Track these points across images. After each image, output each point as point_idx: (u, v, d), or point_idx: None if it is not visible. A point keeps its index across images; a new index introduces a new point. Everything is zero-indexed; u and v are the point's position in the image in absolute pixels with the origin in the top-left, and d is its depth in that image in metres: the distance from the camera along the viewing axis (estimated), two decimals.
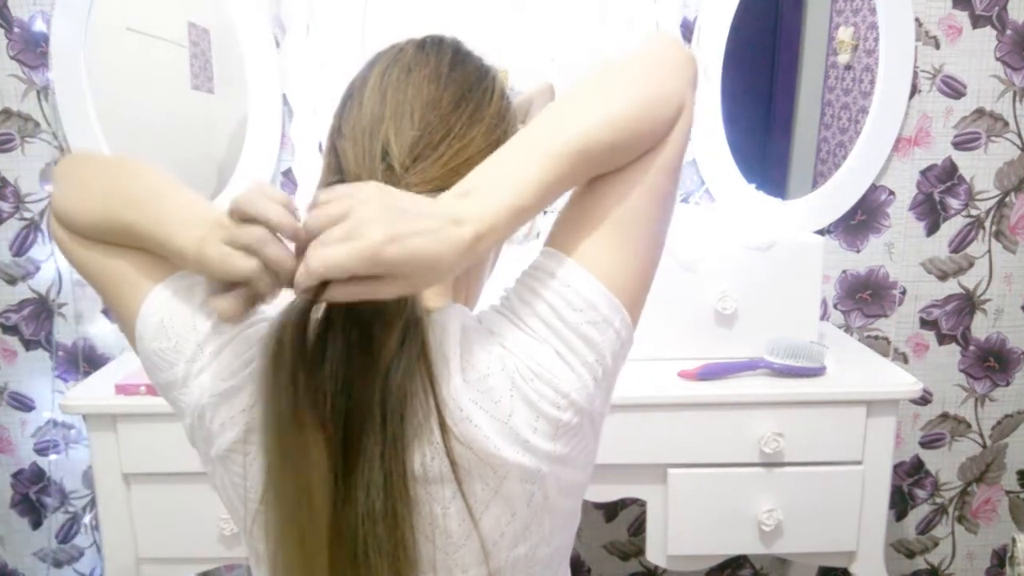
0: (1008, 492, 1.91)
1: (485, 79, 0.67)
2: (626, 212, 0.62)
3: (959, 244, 1.77)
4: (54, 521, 1.84)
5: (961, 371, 1.83)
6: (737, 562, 1.94)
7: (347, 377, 0.57)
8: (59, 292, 1.73)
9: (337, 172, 0.63)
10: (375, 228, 0.51)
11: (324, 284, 0.53)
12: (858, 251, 1.76)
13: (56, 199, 0.69)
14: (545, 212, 1.41)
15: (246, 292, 0.55)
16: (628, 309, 0.63)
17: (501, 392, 0.59)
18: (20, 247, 1.71)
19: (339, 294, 0.53)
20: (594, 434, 0.65)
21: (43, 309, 1.74)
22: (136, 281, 0.66)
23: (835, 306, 1.79)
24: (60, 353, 1.76)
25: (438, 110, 0.63)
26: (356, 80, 0.67)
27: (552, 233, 0.65)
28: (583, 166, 0.60)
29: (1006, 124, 1.71)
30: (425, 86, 0.64)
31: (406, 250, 0.52)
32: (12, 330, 1.76)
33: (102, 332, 1.74)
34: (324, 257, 0.51)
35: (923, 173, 1.73)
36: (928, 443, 1.87)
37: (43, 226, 1.70)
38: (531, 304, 0.62)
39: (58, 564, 1.87)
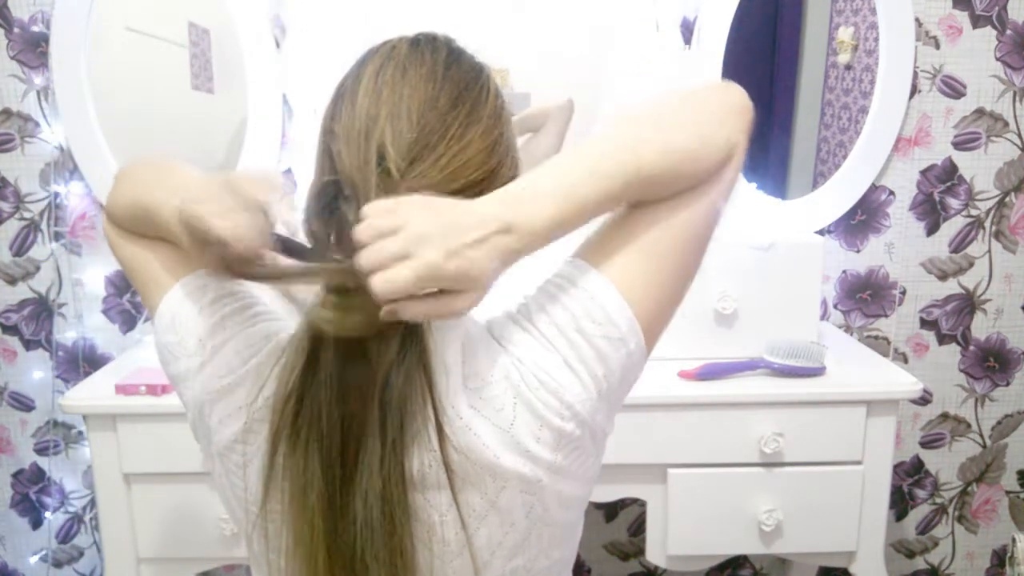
0: (1008, 492, 1.91)
1: (480, 77, 0.66)
2: (662, 240, 0.63)
3: (959, 244, 1.77)
4: (54, 521, 1.84)
5: (961, 371, 1.83)
6: (737, 562, 1.94)
7: (343, 385, 0.57)
8: (59, 292, 1.73)
9: (332, 173, 0.61)
10: (431, 246, 0.52)
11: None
12: (858, 251, 1.76)
13: (108, 197, 0.74)
14: None
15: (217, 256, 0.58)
16: (645, 334, 0.63)
17: (504, 400, 0.59)
18: (20, 247, 1.71)
19: (415, 312, 0.53)
20: (595, 450, 0.65)
21: (43, 309, 1.74)
22: (160, 278, 0.69)
23: (835, 306, 1.79)
24: (60, 353, 1.76)
25: (435, 110, 0.61)
26: (347, 79, 0.65)
27: (584, 246, 0.65)
28: (634, 188, 0.60)
29: (1006, 124, 1.71)
30: (422, 85, 0.62)
31: (465, 263, 0.53)
32: (12, 330, 1.76)
33: (102, 332, 1.74)
34: (388, 280, 0.51)
35: (923, 173, 1.73)
36: (928, 443, 1.87)
37: (43, 226, 1.70)
38: (550, 312, 0.61)
39: (58, 564, 1.87)
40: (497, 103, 0.66)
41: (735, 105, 0.65)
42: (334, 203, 0.58)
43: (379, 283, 0.51)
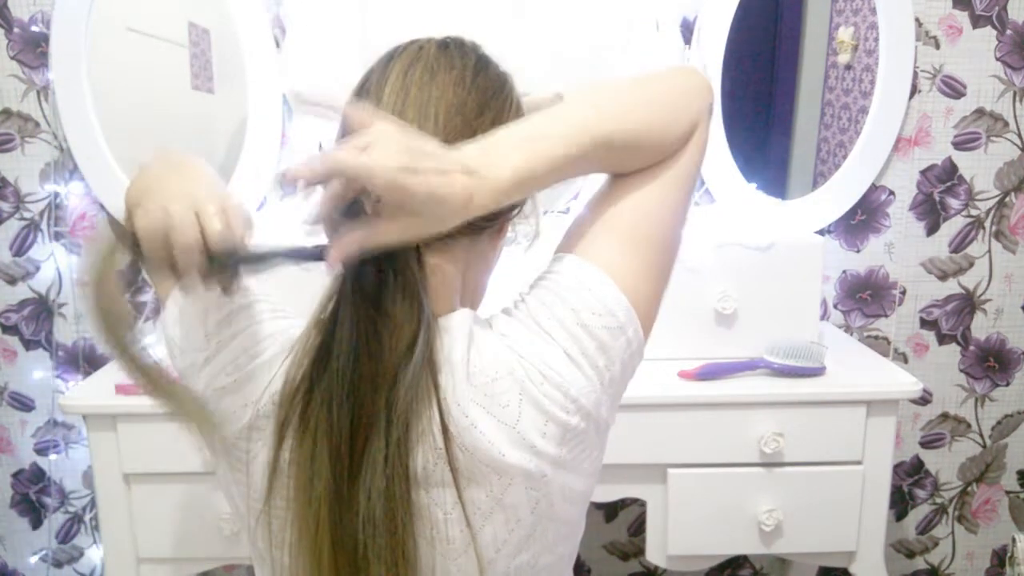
0: (1008, 492, 1.91)
1: (505, 87, 0.67)
2: (642, 221, 0.64)
3: (959, 244, 1.77)
4: (54, 521, 1.84)
5: (961, 371, 1.83)
6: (737, 562, 1.94)
7: (353, 382, 0.57)
8: (59, 292, 1.73)
9: None
10: (395, 155, 0.53)
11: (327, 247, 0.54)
12: (858, 251, 1.76)
13: (128, 190, 0.73)
14: (545, 212, 1.42)
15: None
16: (641, 320, 0.63)
17: (509, 396, 0.59)
18: (20, 247, 1.71)
19: (348, 241, 0.54)
20: (599, 443, 0.65)
21: (43, 309, 1.74)
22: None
23: (835, 306, 1.79)
24: (60, 353, 1.76)
25: (462, 115, 0.62)
26: (372, 76, 0.66)
27: (569, 240, 0.66)
28: (596, 156, 0.61)
29: (1006, 124, 1.71)
30: (450, 89, 0.63)
31: (422, 183, 0.53)
32: (12, 330, 1.76)
33: None
34: (346, 156, 0.52)
35: (923, 173, 1.73)
36: (928, 443, 1.87)
37: (43, 226, 1.70)
38: (550, 306, 0.62)
39: (58, 564, 1.87)
40: (519, 115, 0.67)
41: (694, 83, 0.68)
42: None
43: (338, 156, 0.52)
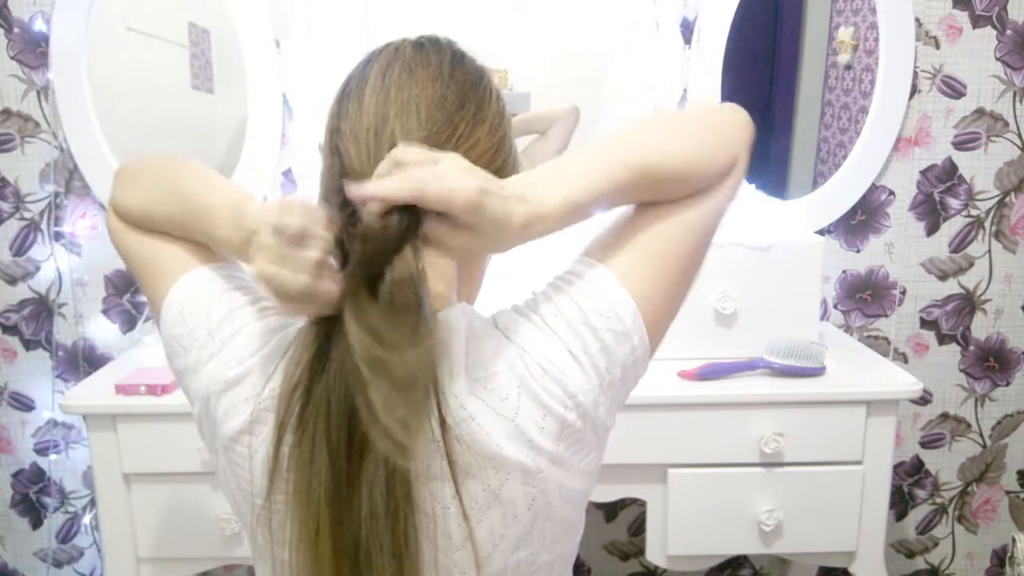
0: (1008, 492, 1.91)
1: (483, 78, 0.68)
2: (667, 241, 0.65)
3: (959, 244, 1.77)
4: (54, 521, 1.84)
5: (961, 371, 1.83)
6: (737, 562, 1.94)
7: (351, 378, 0.57)
8: (59, 292, 1.73)
9: (340, 173, 0.62)
10: (470, 178, 0.54)
11: (416, 221, 0.54)
12: (858, 251, 1.77)
13: (113, 192, 0.75)
14: None
15: (305, 304, 0.56)
16: (648, 331, 0.64)
17: (508, 389, 0.60)
18: (20, 247, 1.71)
19: (436, 230, 0.55)
20: (598, 444, 0.65)
21: (43, 309, 1.74)
22: (167, 270, 0.70)
23: (835, 306, 1.79)
24: (60, 353, 1.76)
25: (444, 109, 0.63)
26: (352, 79, 0.67)
27: (592, 245, 0.67)
28: (639, 185, 0.63)
29: (1006, 124, 1.71)
30: (429, 85, 0.63)
31: (494, 205, 0.54)
32: (12, 330, 1.76)
33: (102, 332, 1.74)
34: (428, 178, 0.52)
35: (923, 173, 1.73)
36: (928, 443, 1.87)
37: (43, 226, 1.70)
38: (557, 304, 0.63)
39: (58, 564, 1.87)
40: (499, 104, 0.68)
41: (738, 121, 0.69)
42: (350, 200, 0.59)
43: (414, 178, 0.52)
